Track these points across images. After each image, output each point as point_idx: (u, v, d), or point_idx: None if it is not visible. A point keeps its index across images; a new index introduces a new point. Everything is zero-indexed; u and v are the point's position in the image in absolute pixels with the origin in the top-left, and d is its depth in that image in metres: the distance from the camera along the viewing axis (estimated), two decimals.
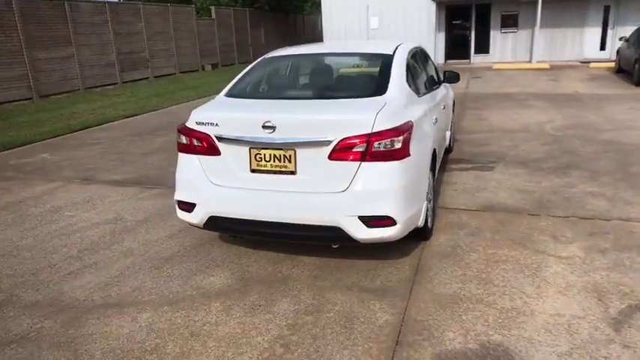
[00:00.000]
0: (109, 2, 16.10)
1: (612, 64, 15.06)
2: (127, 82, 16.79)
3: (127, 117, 10.54)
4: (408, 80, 3.61)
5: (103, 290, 3.28)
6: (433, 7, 18.43)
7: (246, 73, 3.93)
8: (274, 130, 2.99)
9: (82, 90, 14.95)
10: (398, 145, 2.92)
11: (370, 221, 2.94)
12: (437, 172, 4.36)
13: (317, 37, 31.72)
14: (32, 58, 13.32)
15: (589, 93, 10.92)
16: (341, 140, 2.90)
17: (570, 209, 4.33)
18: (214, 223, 3.29)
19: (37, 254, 3.91)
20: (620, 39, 13.80)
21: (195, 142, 3.27)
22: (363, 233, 2.97)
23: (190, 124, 3.33)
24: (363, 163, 2.91)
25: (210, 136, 3.19)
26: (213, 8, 22.78)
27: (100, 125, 9.72)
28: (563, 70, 15.80)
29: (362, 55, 4.20)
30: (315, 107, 3.24)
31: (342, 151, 2.92)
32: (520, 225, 4.05)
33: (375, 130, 2.88)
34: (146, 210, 4.80)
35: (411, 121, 3.09)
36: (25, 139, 8.43)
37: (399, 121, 2.99)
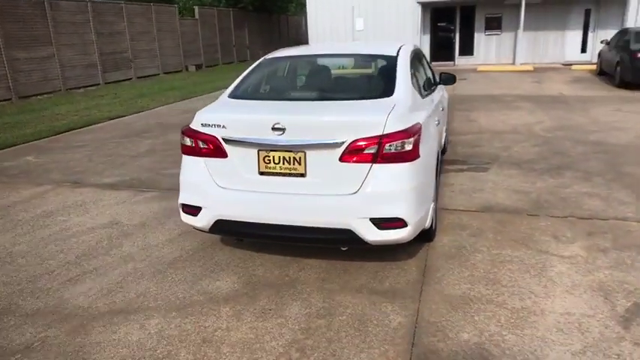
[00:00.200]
0: (91, 1, 15.79)
1: (594, 67, 15.41)
2: (109, 82, 16.50)
3: (112, 118, 10.34)
4: (412, 82, 3.62)
5: (107, 297, 3.19)
6: (418, 9, 18.59)
7: (249, 74, 3.89)
8: (284, 132, 2.96)
9: (63, 91, 14.62)
10: (409, 147, 2.92)
11: (381, 223, 2.93)
12: (439, 173, 4.38)
13: (301, 38, 31.70)
14: (11, 58, 12.98)
15: (574, 95, 11.14)
16: (352, 142, 2.89)
17: (568, 209, 4.40)
18: (221, 226, 3.23)
19: (32, 260, 3.79)
20: (602, 42, 14.13)
21: (201, 145, 3.21)
22: (374, 235, 2.96)
23: (195, 125, 3.27)
24: (374, 165, 2.90)
25: (216, 138, 3.14)
26: (196, 8, 22.56)
27: (85, 127, 9.51)
28: (546, 72, 16.11)
29: (365, 57, 4.19)
30: (324, 109, 3.22)
31: (353, 153, 2.90)
32: (520, 225, 4.10)
33: (387, 131, 2.87)
34: (142, 214, 4.71)
35: (419, 123, 3.10)
36: (6, 142, 8.19)
37: (409, 123, 2.99)
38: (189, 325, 2.84)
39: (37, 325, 2.89)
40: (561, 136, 7.22)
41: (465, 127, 8.19)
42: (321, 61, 4.19)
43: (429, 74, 4.97)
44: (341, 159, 2.93)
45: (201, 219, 3.27)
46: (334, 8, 19.68)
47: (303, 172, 3.01)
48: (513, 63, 18.37)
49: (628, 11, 16.78)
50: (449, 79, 5.19)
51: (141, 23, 18.34)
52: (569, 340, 2.57)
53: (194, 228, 3.48)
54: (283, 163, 3.03)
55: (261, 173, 3.10)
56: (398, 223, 2.94)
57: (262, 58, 4.14)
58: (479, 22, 19.03)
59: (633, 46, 11.27)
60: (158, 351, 2.61)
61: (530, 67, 17.06)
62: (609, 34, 15.82)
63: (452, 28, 19.47)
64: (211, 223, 3.23)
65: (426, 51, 19.56)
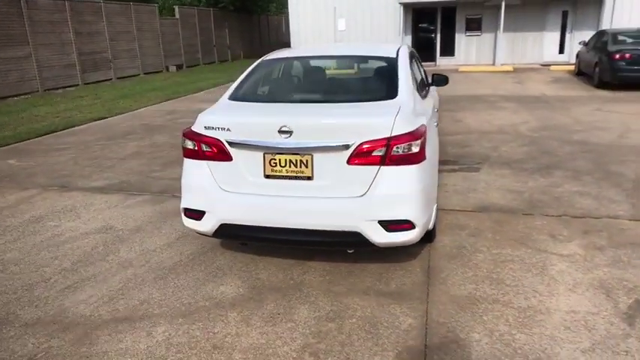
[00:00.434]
0: (69, 0, 15.41)
1: (571, 67, 15.78)
2: (89, 83, 16.14)
3: (94, 120, 10.12)
4: (412, 83, 3.63)
5: (109, 304, 3.12)
6: (400, 9, 18.73)
7: (248, 76, 3.84)
8: (291, 135, 2.94)
9: (41, 92, 14.25)
10: (416, 149, 2.93)
11: (390, 225, 2.93)
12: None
13: (281, 38, 31.59)
14: None
15: (555, 95, 11.38)
16: (360, 144, 2.88)
17: (561, 208, 4.48)
18: (225, 230, 3.19)
19: (26, 268, 3.68)
20: (580, 43, 14.46)
21: (204, 148, 3.16)
22: (382, 238, 2.96)
23: (198, 128, 3.22)
24: (382, 167, 2.90)
25: (221, 141, 3.10)
26: (176, 8, 22.26)
27: (66, 129, 9.27)
28: (526, 72, 16.42)
29: (365, 58, 4.19)
30: (331, 111, 3.21)
31: (361, 156, 2.90)
32: (517, 225, 4.16)
33: (394, 134, 2.88)
34: (136, 218, 4.61)
35: (424, 125, 3.11)
36: None
37: (415, 125, 3.00)
38: (198, 331, 2.80)
39: (38, 336, 2.80)
40: (547, 136, 7.36)
41: (453, 127, 8.28)
42: (320, 63, 4.18)
43: (423, 75, 5.00)
44: (349, 161, 2.92)
45: (204, 223, 3.22)
46: (316, 9, 19.67)
47: (310, 174, 2.99)
48: (493, 63, 18.67)
49: (603, 12, 17.24)
50: (441, 80, 5.22)
51: (120, 23, 18.00)
52: (577, 338, 2.62)
53: (196, 232, 3.43)
54: (290, 166, 3.01)
55: (267, 176, 3.07)
56: (406, 225, 2.95)
57: (260, 60, 4.11)
58: (459, 23, 19.27)
59: (611, 48, 11.58)
60: (169, 359, 2.56)
61: (510, 68, 17.37)
62: (586, 35, 16.22)
63: (433, 28, 19.68)
64: (216, 227, 3.18)
65: None
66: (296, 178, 3.02)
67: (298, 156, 2.98)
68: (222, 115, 3.25)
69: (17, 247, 4.07)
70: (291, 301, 3.08)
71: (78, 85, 15.71)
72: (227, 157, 3.11)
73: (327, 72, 4.07)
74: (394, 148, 2.88)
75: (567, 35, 18.33)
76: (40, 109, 11.61)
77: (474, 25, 19.12)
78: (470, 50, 19.41)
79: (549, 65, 17.46)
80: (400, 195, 2.93)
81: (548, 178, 5.38)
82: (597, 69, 11.97)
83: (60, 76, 15.08)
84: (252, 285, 3.30)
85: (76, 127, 9.42)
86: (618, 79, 11.26)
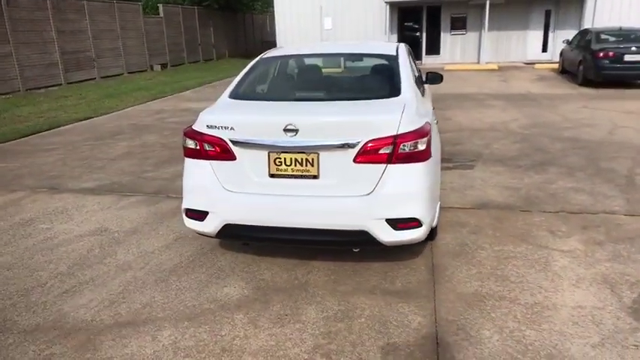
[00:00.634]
0: None
1: (555, 65, 16.01)
2: (72, 83, 15.81)
3: (80, 120, 9.91)
4: (413, 81, 3.62)
5: (110, 308, 3.04)
6: (386, 8, 18.77)
7: (247, 74, 3.78)
8: (296, 134, 2.89)
9: (22, 91, 13.90)
10: (422, 147, 2.91)
11: (397, 224, 2.91)
12: None
13: (266, 37, 31.41)
14: None
15: (541, 93, 11.53)
16: (367, 142, 2.86)
17: (558, 204, 4.53)
18: (229, 231, 3.13)
19: (20, 272, 3.57)
20: (564, 42, 14.68)
21: (207, 147, 3.10)
22: (389, 236, 2.94)
23: (200, 127, 3.15)
24: (389, 165, 2.88)
25: (224, 140, 3.04)
26: (160, 6, 21.94)
27: (52, 129, 9.06)
28: (511, 70, 16.61)
29: (366, 56, 4.16)
30: (336, 109, 3.17)
31: (367, 154, 2.87)
32: (516, 221, 4.18)
33: (401, 131, 2.86)
34: (131, 219, 4.52)
35: (429, 122, 3.10)
36: None
37: (421, 122, 2.99)
38: (205, 334, 2.74)
39: (39, 342, 2.71)
40: (537, 133, 7.44)
41: (443, 125, 8.30)
42: (319, 61, 4.14)
43: (418, 73, 4.99)
44: (355, 160, 2.90)
45: (207, 224, 3.16)
46: (302, 7, 19.62)
47: (316, 173, 2.96)
48: (478, 62, 18.85)
49: (585, 12, 17.55)
50: (435, 78, 5.19)
51: (104, 21, 17.67)
52: (586, 333, 2.64)
53: (198, 233, 3.36)
54: (295, 165, 2.97)
55: (272, 175, 3.02)
56: (413, 223, 2.94)
57: (259, 58, 4.05)
58: (444, 22, 19.41)
59: (594, 46, 11.78)
60: None
61: (495, 66, 17.55)
62: (568, 33, 16.49)
63: (418, 27, 19.78)
64: (219, 228, 3.13)
65: None
66: (301, 177, 2.98)
67: (304, 155, 2.94)
68: (226, 114, 3.19)
69: (9, 250, 3.95)
70: (297, 302, 3.04)
71: (61, 84, 15.38)
72: (231, 157, 3.06)
73: (328, 70, 4.03)
74: (401, 146, 2.86)
75: (550, 34, 18.61)
76: (23, 109, 11.33)
77: (458, 24, 19.28)
78: (455, 49, 19.57)
79: (533, 63, 17.70)
80: (407, 193, 2.91)
81: (542, 174, 5.44)
82: (581, 67, 12.17)
83: (42, 76, 14.74)
84: (256, 286, 3.25)
85: (62, 128, 9.22)
86: (602, 77, 11.47)
